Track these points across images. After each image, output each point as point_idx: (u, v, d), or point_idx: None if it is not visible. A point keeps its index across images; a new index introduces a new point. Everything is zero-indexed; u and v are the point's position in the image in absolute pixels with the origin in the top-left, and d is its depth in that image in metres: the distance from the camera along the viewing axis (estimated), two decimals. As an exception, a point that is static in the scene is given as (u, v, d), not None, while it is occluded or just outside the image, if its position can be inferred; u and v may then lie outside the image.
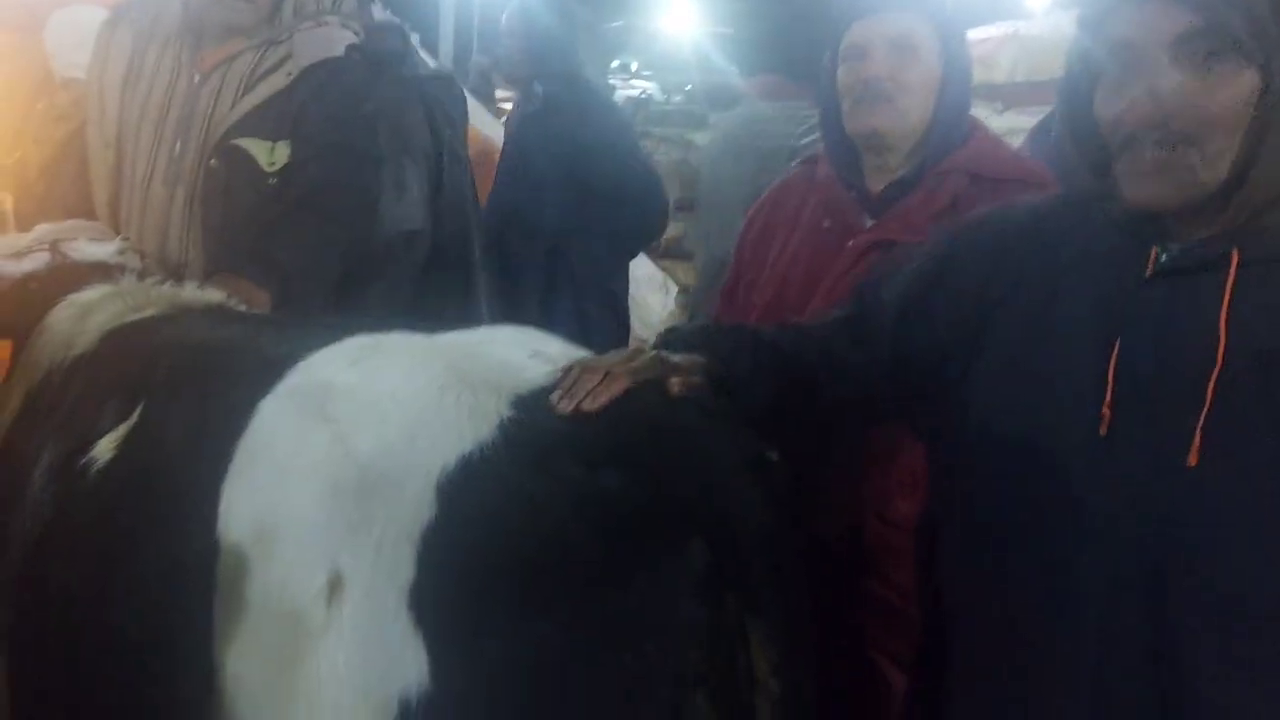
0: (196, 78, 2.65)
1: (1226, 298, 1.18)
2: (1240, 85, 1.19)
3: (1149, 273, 1.25)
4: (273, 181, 2.57)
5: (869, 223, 1.69)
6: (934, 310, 1.44)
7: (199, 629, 1.50)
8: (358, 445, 1.43)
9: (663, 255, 6.69)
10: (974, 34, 11.85)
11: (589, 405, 1.34)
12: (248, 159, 2.58)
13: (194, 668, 1.49)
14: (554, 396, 1.40)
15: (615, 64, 14.23)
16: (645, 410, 1.43)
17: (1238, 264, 1.20)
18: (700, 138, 9.18)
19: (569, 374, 1.38)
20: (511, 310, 3.79)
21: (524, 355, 1.55)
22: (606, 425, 1.39)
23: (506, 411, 1.41)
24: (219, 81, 2.64)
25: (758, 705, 1.38)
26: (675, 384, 1.38)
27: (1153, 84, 1.20)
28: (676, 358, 1.43)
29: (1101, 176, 1.30)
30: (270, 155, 2.61)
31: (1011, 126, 7.60)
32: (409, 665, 1.32)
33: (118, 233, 2.64)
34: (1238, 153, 1.20)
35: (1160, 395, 1.22)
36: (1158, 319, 1.24)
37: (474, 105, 4.64)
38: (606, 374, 1.35)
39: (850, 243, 1.71)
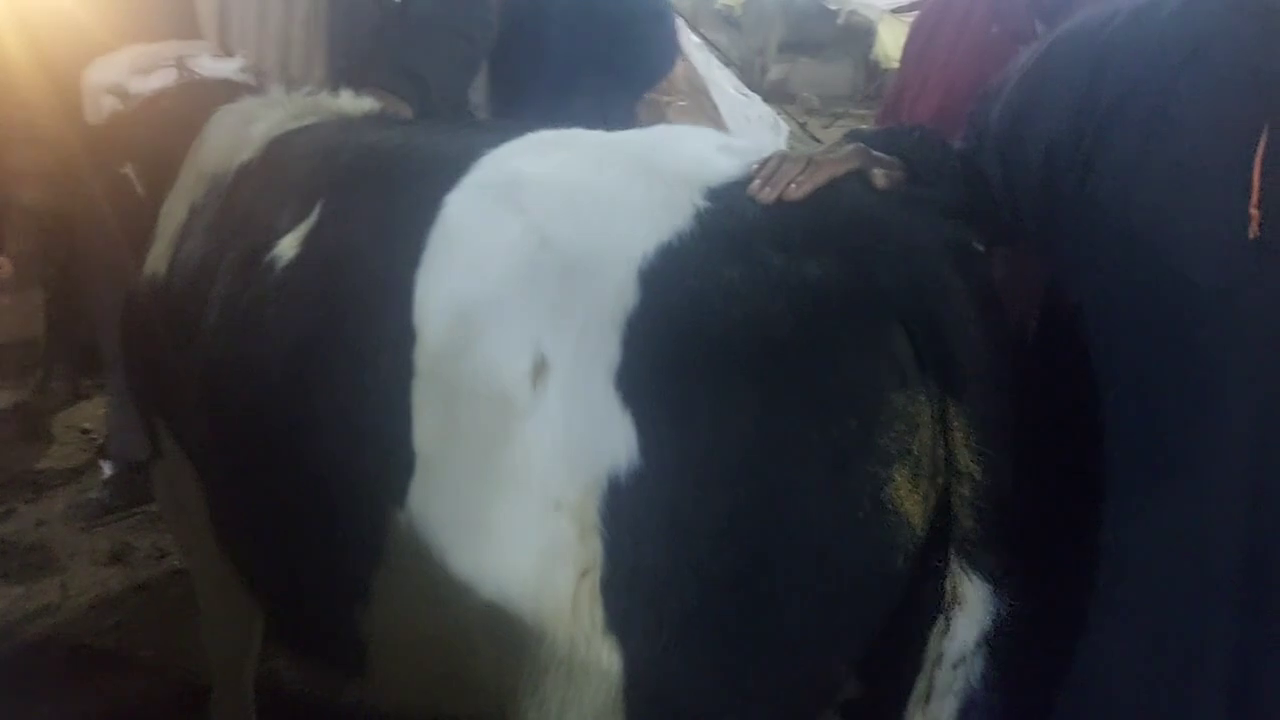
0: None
1: None
2: None
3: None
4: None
5: (1040, 28, 1.60)
6: (1035, 123, 1.37)
7: (398, 414, 1.53)
8: (554, 233, 1.43)
9: (768, 97, 6.55)
10: None
11: (793, 193, 1.31)
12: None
13: (393, 456, 1.53)
14: (755, 185, 1.38)
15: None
16: (848, 199, 1.40)
17: None
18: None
19: (768, 164, 1.36)
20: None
21: (712, 149, 1.52)
22: (808, 212, 1.38)
23: (701, 202, 1.40)
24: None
25: (957, 491, 1.38)
26: (879, 175, 1.34)
27: None
28: (877, 152, 1.39)
29: None
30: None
31: None
32: (617, 443, 1.34)
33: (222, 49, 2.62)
34: None
35: None
36: None
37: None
38: (809, 163, 1.32)
39: (1021, 48, 1.61)
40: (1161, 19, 1.33)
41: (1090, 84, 1.35)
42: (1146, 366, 1.32)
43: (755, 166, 1.38)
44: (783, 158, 1.34)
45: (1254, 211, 1.19)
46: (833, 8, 7.82)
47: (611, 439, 1.34)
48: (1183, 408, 1.28)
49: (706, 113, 5.26)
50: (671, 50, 3.58)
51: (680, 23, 5.01)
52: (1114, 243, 1.30)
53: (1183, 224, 1.25)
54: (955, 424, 1.38)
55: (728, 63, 5.93)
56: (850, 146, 1.39)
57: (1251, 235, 1.20)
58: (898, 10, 7.23)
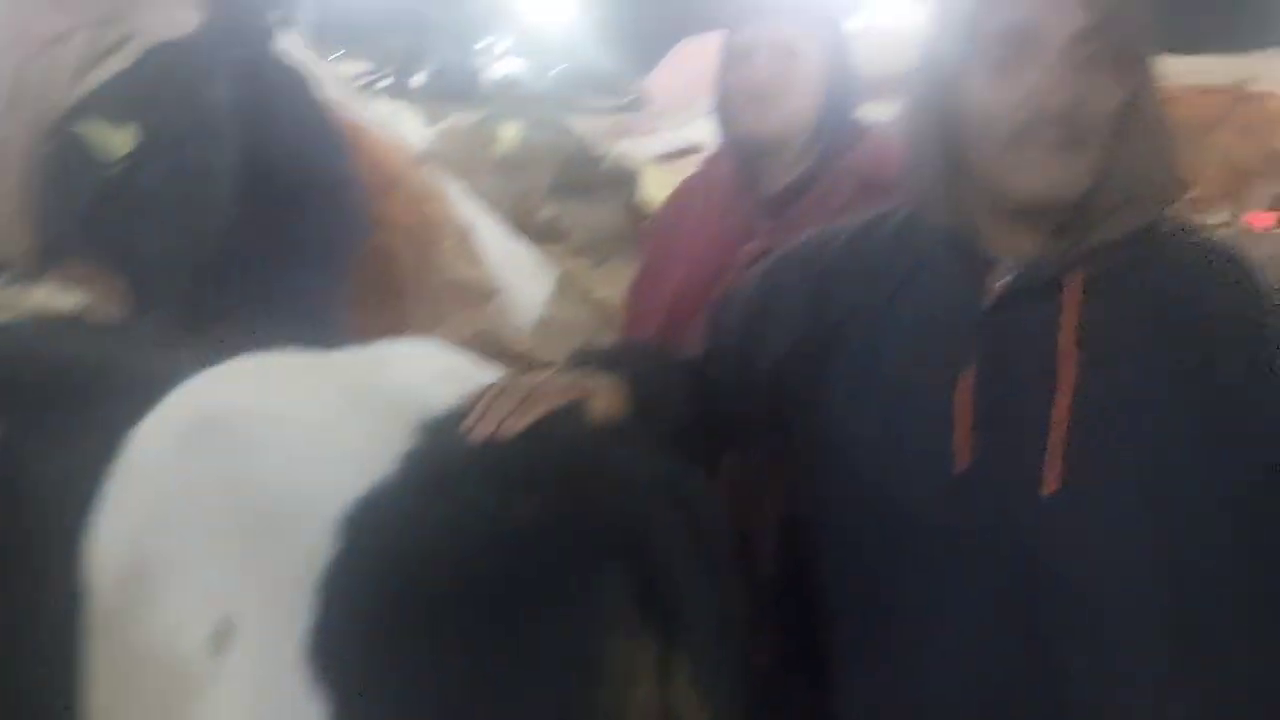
0: (24, 57, 2.43)
1: (1075, 320, 1.16)
2: (1114, 92, 1.18)
3: (991, 299, 1.21)
4: (116, 169, 2.38)
5: (765, 224, 1.68)
6: (764, 341, 1.41)
7: (69, 681, 1.36)
8: (248, 476, 1.32)
9: (539, 238, 6.58)
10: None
11: (507, 430, 1.25)
12: (87, 145, 2.38)
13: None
14: (468, 421, 1.31)
15: (483, 44, 13.95)
16: (563, 434, 1.35)
17: (1083, 282, 1.19)
18: (574, 121, 9.03)
19: (484, 396, 1.29)
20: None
21: (429, 375, 1.45)
22: (520, 449, 1.32)
23: (413, 439, 1.32)
24: (51, 61, 2.43)
25: (683, 741, 1.33)
26: (598, 407, 1.31)
27: (1052, 76, 1.17)
28: (596, 379, 1.35)
29: (954, 175, 1.24)
30: (113, 141, 2.42)
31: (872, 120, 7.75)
32: (310, 718, 1.22)
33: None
34: (1102, 161, 1.19)
35: (1014, 426, 1.18)
36: (1003, 347, 1.20)
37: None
38: (526, 396, 1.27)
39: (741, 248, 1.69)
40: (878, 242, 1.39)
41: (815, 306, 1.39)
42: (871, 590, 1.32)
43: (471, 399, 1.31)
44: (500, 389, 1.27)
45: (961, 448, 1.23)
46: (599, 153, 8.00)
47: (303, 713, 1.21)
48: (896, 642, 1.28)
49: (474, 258, 5.22)
50: (359, 224, 3.24)
51: (439, 167, 4.97)
52: (839, 467, 1.32)
53: (895, 454, 1.27)
54: (678, 673, 1.32)
55: (494, 205, 5.94)
56: (569, 376, 1.35)
57: (959, 471, 1.24)
58: (660, 158, 7.47)
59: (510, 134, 9.67)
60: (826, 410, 1.32)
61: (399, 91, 13.98)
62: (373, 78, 13.30)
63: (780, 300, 1.42)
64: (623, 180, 9.01)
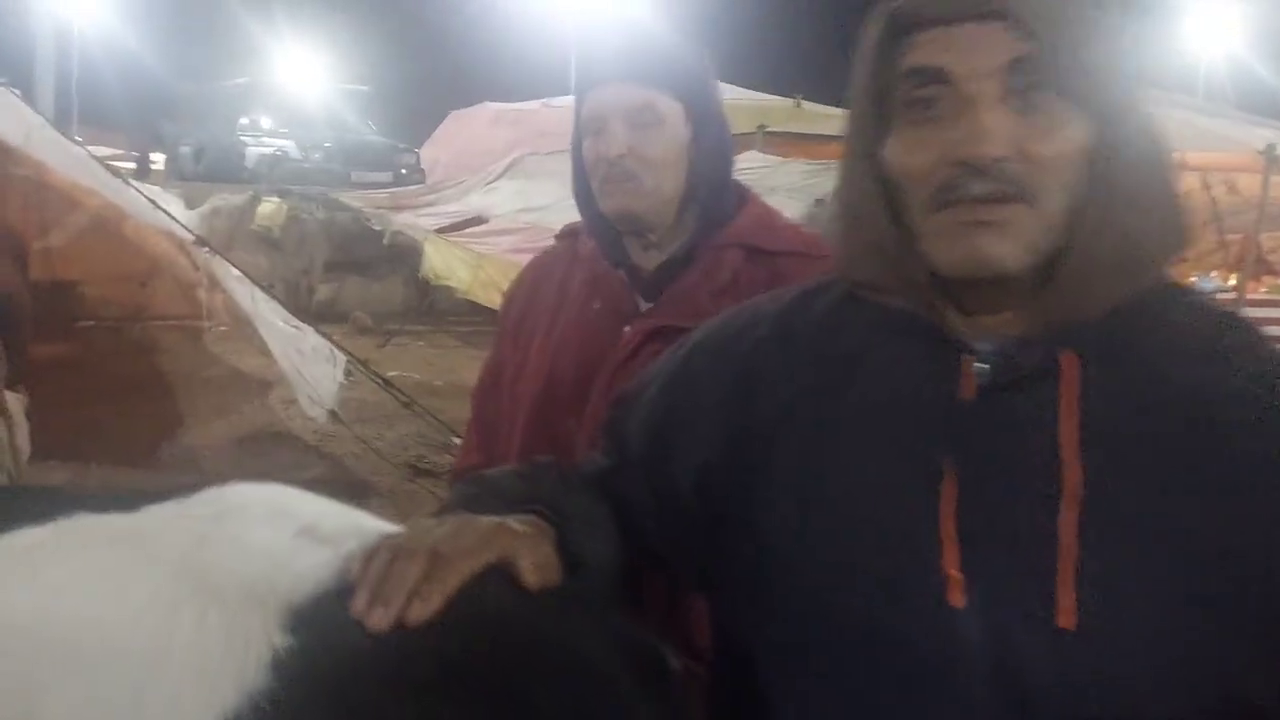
0: None
1: (1074, 409, 0.96)
2: (1070, 133, 0.97)
3: (968, 390, 0.97)
4: None
5: (643, 305, 1.45)
6: (679, 447, 1.07)
7: None
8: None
9: (319, 318, 6.32)
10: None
11: (418, 613, 0.87)
12: None
13: None
14: (360, 602, 0.87)
15: (244, 121, 13.46)
16: (493, 610, 0.95)
17: (1079, 367, 0.98)
18: (348, 197, 8.81)
19: (373, 563, 0.88)
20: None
21: (284, 535, 0.92)
22: (437, 640, 0.91)
23: (282, 637, 0.86)
24: None
25: None
26: (526, 571, 0.91)
27: (978, 121, 0.93)
28: (517, 525, 0.98)
29: (893, 246, 0.99)
30: None
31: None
32: None
33: None
34: (1063, 218, 0.98)
35: (1010, 543, 0.95)
36: (989, 449, 0.96)
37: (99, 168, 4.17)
38: (432, 560, 0.88)
39: (627, 329, 1.44)
40: (815, 321, 1.08)
41: (741, 401, 1.05)
42: None
43: (356, 567, 0.88)
44: (391, 551, 0.88)
45: (953, 574, 0.95)
46: (377, 228, 7.81)
47: None
48: None
49: (255, 344, 4.95)
50: None
51: (207, 250, 4.70)
52: (788, 596, 1.01)
53: (861, 576, 0.99)
54: None
55: (270, 287, 5.65)
56: (483, 526, 0.96)
57: (954, 603, 0.95)
58: (441, 231, 7.35)
59: (269, 210, 9.31)
60: (768, 526, 1.00)
61: (148, 174, 13.30)
62: (121, 159, 12.60)
63: (695, 397, 1.05)
64: (405, 254, 8.83)
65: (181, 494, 0.99)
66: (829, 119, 9.82)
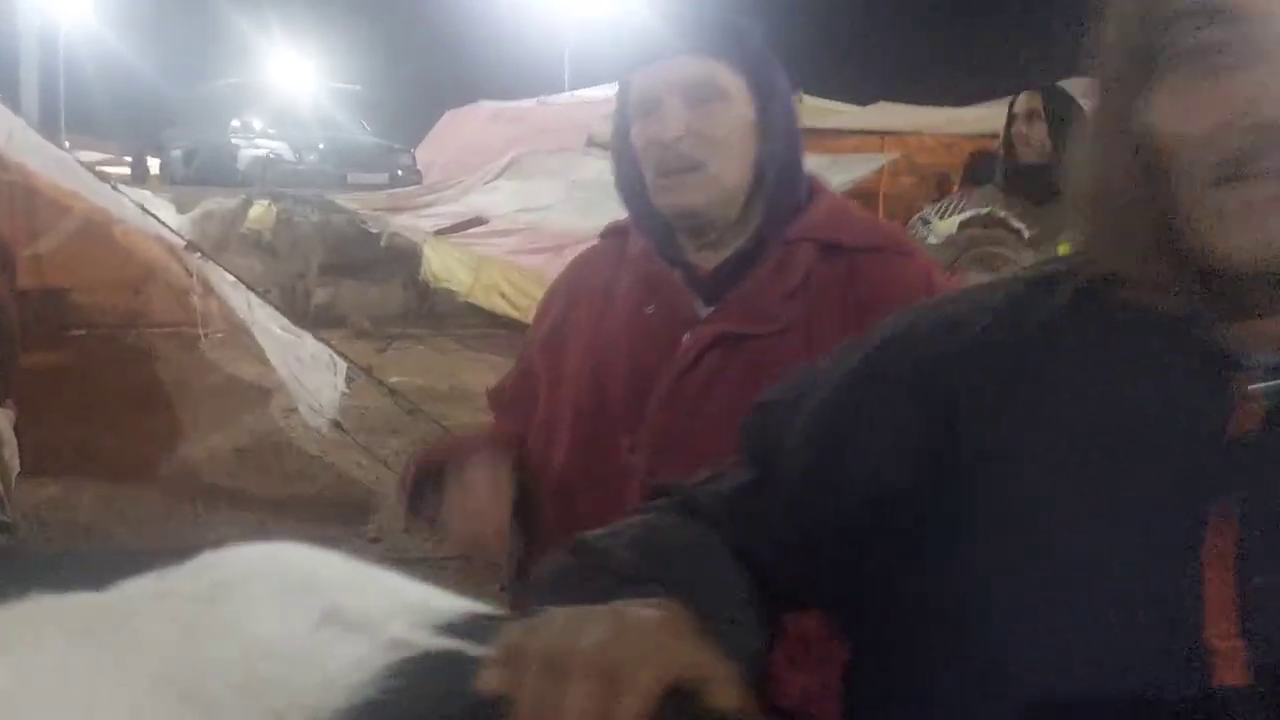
0: None
1: None
2: None
3: (1247, 419, 0.77)
4: None
5: (703, 308, 1.26)
6: (853, 463, 0.86)
7: None
8: None
9: (315, 323, 6.17)
10: (600, 92, 12.20)
11: None
12: None
13: None
14: None
15: (236, 123, 13.28)
16: None
17: None
18: (344, 199, 8.67)
19: (523, 684, 0.60)
20: None
21: (303, 620, 0.68)
22: None
23: None
24: None
25: None
26: (720, 692, 0.64)
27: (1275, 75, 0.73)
28: (694, 643, 0.71)
29: (1157, 234, 0.77)
30: None
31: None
32: None
33: None
34: None
35: None
36: (1272, 491, 0.77)
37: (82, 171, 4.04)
38: (604, 679, 0.62)
39: (686, 336, 1.24)
40: (1035, 335, 0.85)
41: (942, 422, 0.84)
42: None
43: (490, 679, 0.58)
44: (546, 667, 0.66)
45: (1224, 645, 0.73)
46: (374, 230, 7.66)
47: None
48: None
49: (252, 351, 4.81)
50: None
51: (202, 255, 4.57)
52: (983, 645, 0.80)
53: (1090, 644, 0.77)
54: None
55: (266, 292, 5.50)
56: (647, 627, 0.71)
57: (1227, 681, 0.73)
58: (441, 232, 7.21)
59: (259, 213, 9.16)
60: (963, 571, 0.80)
61: (145, 179, 13.14)
62: (113, 164, 12.45)
63: (879, 410, 0.84)
64: (403, 257, 8.69)
65: (165, 560, 0.70)
66: (831, 113, 9.72)
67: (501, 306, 6.41)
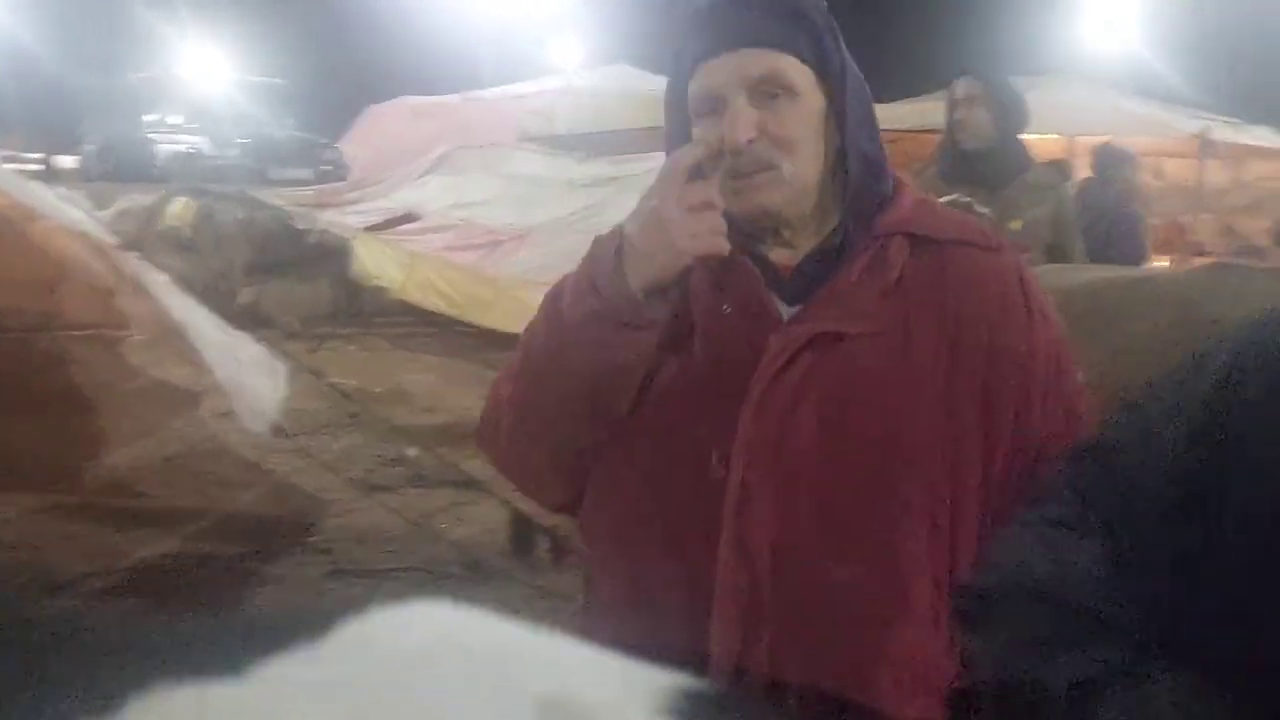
0: None
1: None
2: None
3: None
4: None
5: (784, 307, 1.16)
6: (1221, 498, 0.85)
7: None
8: None
9: (243, 324, 5.98)
10: (526, 86, 12.09)
11: None
12: None
13: None
14: None
15: (152, 117, 12.85)
16: None
17: None
18: (268, 195, 8.44)
19: None
20: None
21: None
22: None
23: None
24: None
25: None
26: None
27: None
28: None
29: None
30: None
31: (595, 176, 7.69)
32: None
33: None
34: None
35: None
36: None
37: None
38: None
39: (774, 337, 1.14)
40: None
41: None
42: None
43: None
44: None
45: None
46: (301, 227, 7.45)
47: None
48: None
49: (180, 353, 4.64)
50: None
51: (135, 258, 4.42)
52: None
53: None
54: None
55: (188, 291, 5.32)
56: None
57: None
58: (371, 229, 7.05)
59: (177, 210, 8.86)
60: None
61: (53, 175, 12.67)
62: (19, 162, 11.97)
63: (1249, 446, 0.76)
64: (331, 255, 8.48)
65: (299, 631, 0.51)
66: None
67: (437, 304, 6.27)
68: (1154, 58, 18.95)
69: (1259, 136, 7.74)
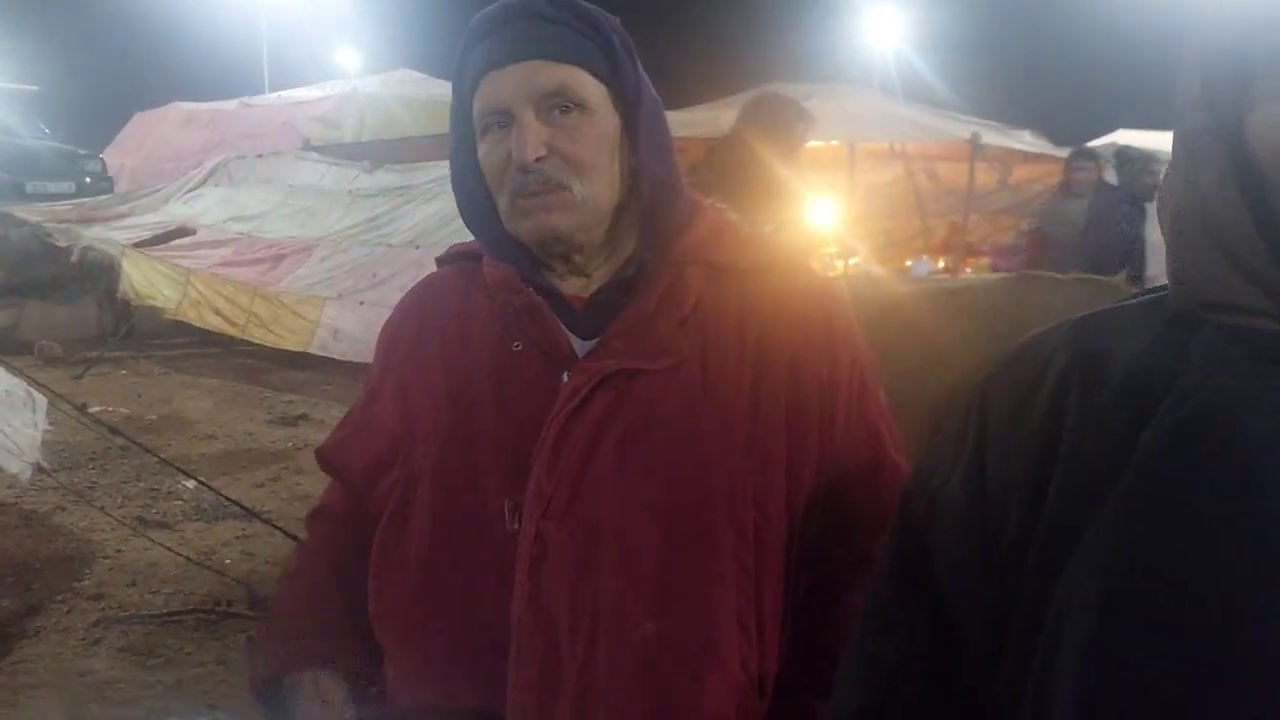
0: None
1: None
2: None
3: None
4: None
5: (578, 342, 1.07)
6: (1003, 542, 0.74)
7: None
8: None
9: (-2, 353, 5.47)
10: (308, 92, 11.64)
11: None
12: None
13: None
14: None
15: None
16: None
17: None
18: (23, 210, 7.83)
19: None
20: None
21: None
22: None
23: None
24: None
25: None
26: None
27: None
28: None
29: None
30: None
31: (381, 185, 7.42)
32: None
33: None
34: None
35: None
36: None
37: None
38: None
39: (566, 375, 1.04)
40: (1126, 361, 0.76)
41: (1047, 465, 0.73)
42: None
43: None
44: None
45: None
46: (62, 244, 6.90)
47: None
48: None
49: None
50: None
51: None
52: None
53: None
54: None
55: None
56: None
57: None
58: (140, 245, 6.59)
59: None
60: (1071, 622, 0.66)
61: None
62: None
63: (1004, 477, 0.72)
64: (97, 273, 7.89)
65: None
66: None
67: (215, 323, 5.91)
68: (925, 66, 20.04)
69: (1023, 141, 8.25)
